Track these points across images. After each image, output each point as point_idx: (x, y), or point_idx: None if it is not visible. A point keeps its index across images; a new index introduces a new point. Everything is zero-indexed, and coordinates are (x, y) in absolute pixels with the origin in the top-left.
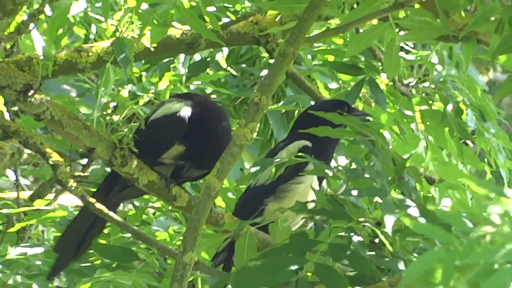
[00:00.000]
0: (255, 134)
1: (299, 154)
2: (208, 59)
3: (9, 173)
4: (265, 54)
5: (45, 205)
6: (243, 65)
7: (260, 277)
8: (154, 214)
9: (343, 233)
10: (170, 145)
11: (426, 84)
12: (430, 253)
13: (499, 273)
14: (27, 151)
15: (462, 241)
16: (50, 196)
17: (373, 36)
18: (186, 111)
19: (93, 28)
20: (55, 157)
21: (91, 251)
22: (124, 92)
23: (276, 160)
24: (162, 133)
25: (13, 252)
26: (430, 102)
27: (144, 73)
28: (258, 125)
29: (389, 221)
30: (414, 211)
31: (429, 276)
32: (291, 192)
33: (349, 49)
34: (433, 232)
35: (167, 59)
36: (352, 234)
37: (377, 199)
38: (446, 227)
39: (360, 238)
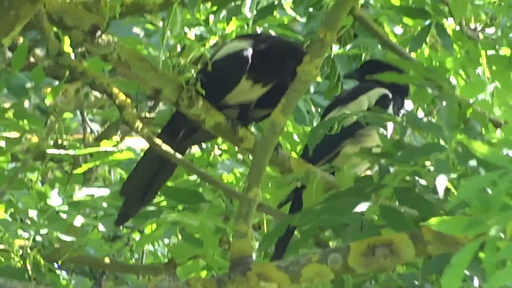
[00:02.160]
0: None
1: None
2: (276, 3)
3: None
4: None
5: (112, 146)
6: (310, 9)
7: (324, 217)
8: (220, 155)
9: (408, 178)
10: (235, 82)
11: (493, 29)
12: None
13: None
14: (95, 93)
15: None
16: (117, 138)
17: None
18: (249, 47)
19: None
20: (122, 98)
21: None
22: (191, 35)
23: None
24: (227, 71)
25: (79, 194)
26: (497, 47)
27: (211, 16)
28: (325, 69)
29: (441, 182)
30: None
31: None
32: (369, 136)
33: None
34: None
35: (234, 3)
36: (417, 178)
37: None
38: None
39: (425, 182)
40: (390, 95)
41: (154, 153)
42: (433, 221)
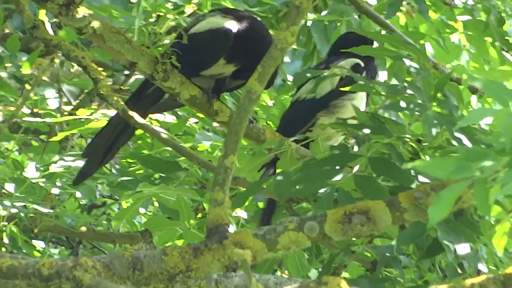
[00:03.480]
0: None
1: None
2: None
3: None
4: None
5: (88, 115)
6: None
7: (299, 187)
8: (196, 123)
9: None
10: (215, 60)
11: None
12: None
13: None
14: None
15: None
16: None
17: None
18: (232, 26)
19: None
20: (97, 70)
21: (134, 163)
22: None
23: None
24: (207, 47)
25: (55, 166)
26: (473, 12)
27: None
28: (301, 37)
29: (429, 131)
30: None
31: None
32: (343, 107)
33: None
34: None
35: None
36: (392, 150)
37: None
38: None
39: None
40: (362, 64)
41: (118, 118)
42: (418, 163)
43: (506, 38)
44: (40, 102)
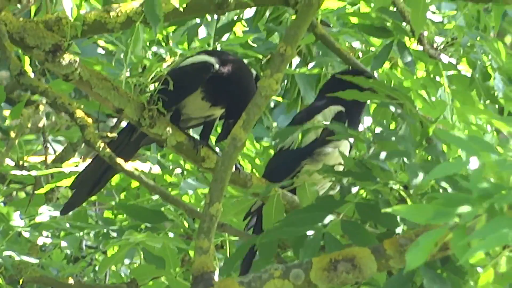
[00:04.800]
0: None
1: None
2: (236, 18)
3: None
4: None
5: (73, 167)
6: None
7: (285, 229)
8: (181, 173)
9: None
10: (190, 90)
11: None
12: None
13: None
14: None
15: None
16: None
17: None
18: (213, 62)
19: None
20: (83, 117)
21: (120, 213)
22: (150, 55)
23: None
24: (185, 78)
25: (41, 216)
26: (458, 66)
27: (171, 34)
28: (285, 83)
29: (412, 180)
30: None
31: None
32: (328, 155)
33: (377, 1)
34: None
35: (195, 22)
36: (379, 196)
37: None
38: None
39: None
40: (345, 112)
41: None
42: (399, 208)
43: (492, 92)
44: (27, 153)
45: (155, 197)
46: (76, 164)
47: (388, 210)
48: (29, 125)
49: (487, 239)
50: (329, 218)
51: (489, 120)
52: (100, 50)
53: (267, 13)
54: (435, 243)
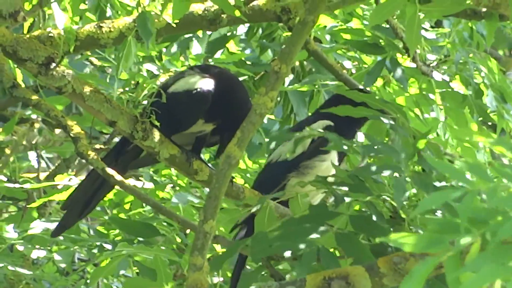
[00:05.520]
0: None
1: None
2: (229, 34)
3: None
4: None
5: (66, 181)
6: (263, 41)
7: (278, 244)
8: (173, 187)
9: (363, 209)
10: (192, 122)
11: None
12: (449, 189)
13: None
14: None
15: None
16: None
17: (394, 7)
18: (209, 86)
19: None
20: (76, 129)
21: (112, 227)
22: (143, 72)
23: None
24: (184, 109)
25: (35, 229)
26: (451, 83)
27: (164, 49)
28: (279, 99)
29: (398, 197)
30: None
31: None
32: (314, 168)
33: (371, 20)
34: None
35: (186, 37)
36: (372, 208)
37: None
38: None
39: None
40: (334, 126)
41: (97, 173)
42: (392, 237)
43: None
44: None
45: (147, 208)
46: (70, 178)
47: (381, 239)
48: (24, 142)
49: (480, 272)
50: (322, 230)
51: (486, 142)
52: (89, 68)
53: (260, 30)
54: (429, 272)
